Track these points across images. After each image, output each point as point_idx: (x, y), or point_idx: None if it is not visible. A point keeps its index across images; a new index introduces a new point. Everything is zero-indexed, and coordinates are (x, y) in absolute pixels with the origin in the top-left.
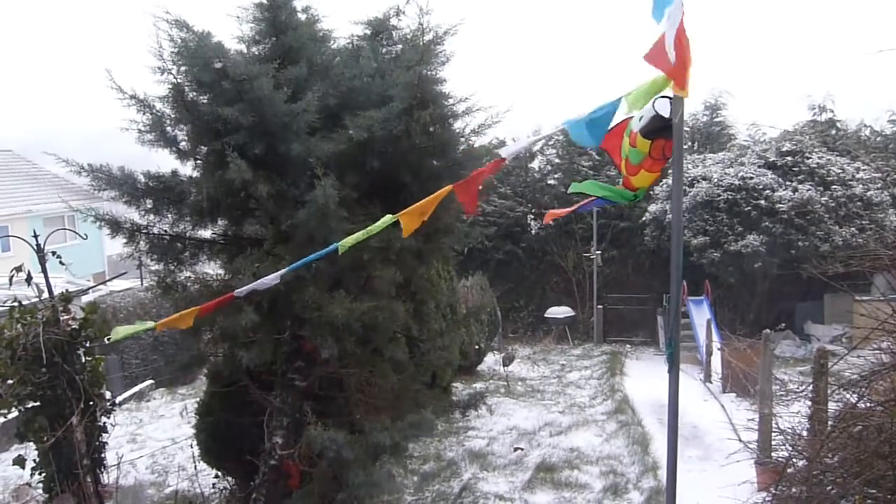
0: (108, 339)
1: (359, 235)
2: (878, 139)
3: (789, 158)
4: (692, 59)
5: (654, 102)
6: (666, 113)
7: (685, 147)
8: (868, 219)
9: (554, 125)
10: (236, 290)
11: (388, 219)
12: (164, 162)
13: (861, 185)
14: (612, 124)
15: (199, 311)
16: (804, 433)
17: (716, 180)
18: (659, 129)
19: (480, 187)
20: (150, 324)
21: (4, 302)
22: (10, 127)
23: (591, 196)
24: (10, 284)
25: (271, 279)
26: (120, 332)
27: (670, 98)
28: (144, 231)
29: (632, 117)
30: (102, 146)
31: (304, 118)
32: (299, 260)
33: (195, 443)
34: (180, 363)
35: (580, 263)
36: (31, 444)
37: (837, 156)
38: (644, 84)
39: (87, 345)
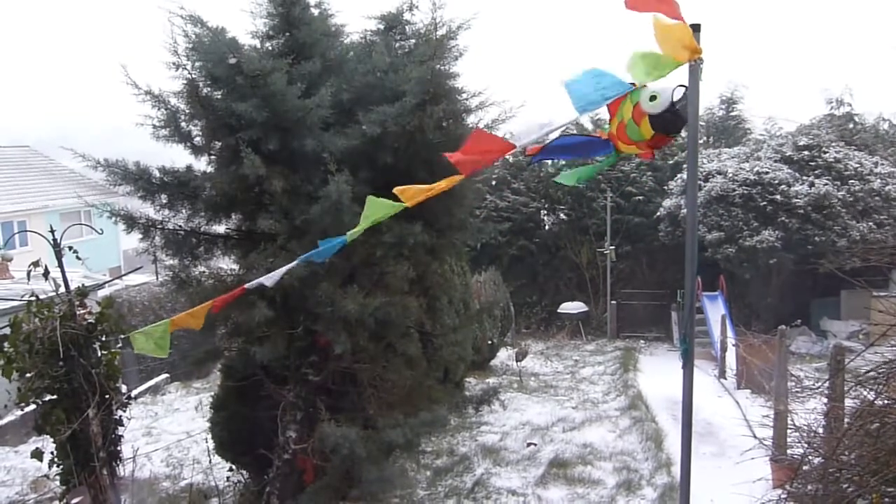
0: (122, 342)
1: (363, 225)
2: None
3: (806, 153)
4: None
5: (673, 91)
6: (680, 103)
7: (700, 141)
8: (886, 213)
9: (567, 117)
10: (247, 284)
11: (386, 202)
12: (178, 157)
13: (879, 180)
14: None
15: (210, 307)
16: (820, 430)
17: (731, 175)
18: (669, 123)
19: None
20: (165, 321)
21: (22, 296)
22: (29, 123)
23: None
24: (28, 279)
25: (277, 275)
26: (138, 340)
27: (686, 87)
28: (159, 226)
29: (643, 87)
30: (120, 143)
31: (317, 113)
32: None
33: (210, 436)
34: (195, 358)
35: (594, 259)
36: (49, 436)
37: (855, 150)
38: (648, 53)
39: (103, 339)
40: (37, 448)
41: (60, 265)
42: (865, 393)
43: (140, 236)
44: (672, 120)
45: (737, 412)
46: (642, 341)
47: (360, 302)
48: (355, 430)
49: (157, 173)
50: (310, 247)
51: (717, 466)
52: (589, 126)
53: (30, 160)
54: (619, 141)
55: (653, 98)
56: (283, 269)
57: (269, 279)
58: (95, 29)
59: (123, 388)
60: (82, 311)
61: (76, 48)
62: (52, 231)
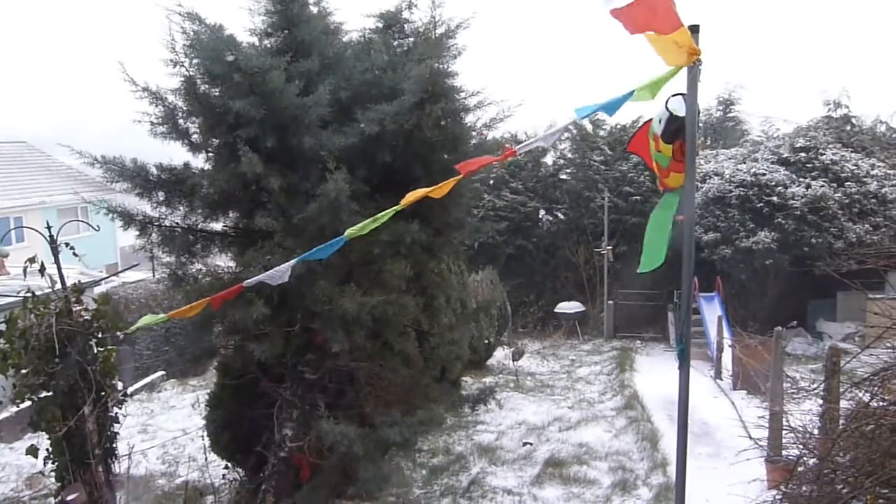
0: (121, 335)
1: (366, 224)
2: (894, 135)
3: (803, 154)
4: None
5: (667, 103)
6: (681, 112)
7: (697, 142)
8: (882, 216)
9: (568, 118)
10: (245, 281)
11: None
12: (176, 155)
13: (876, 182)
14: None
15: (210, 303)
16: (815, 431)
17: (728, 176)
18: (677, 130)
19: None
20: (163, 316)
21: (18, 292)
22: (29, 122)
23: None
24: (24, 275)
25: (280, 271)
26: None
27: (684, 95)
28: (156, 223)
29: (651, 119)
30: (121, 143)
31: (315, 111)
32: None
33: (206, 434)
34: (191, 355)
35: (591, 258)
36: (44, 433)
37: (852, 152)
38: (654, 77)
39: (100, 335)
40: (32, 445)
41: (57, 261)
42: (861, 394)
43: (137, 233)
44: (679, 127)
45: (732, 413)
46: (639, 341)
47: (357, 300)
48: (353, 428)
49: (154, 170)
50: (307, 244)
51: (712, 467)
52: (589, 127)
53: (27, 156)
54: (664, 180)
55: (659, 121)
56: (288, 272)
57: (272, 280)
58: (96, 29)
59: (119, 385)
60: (78, 308)
61: (76, 48)
62: (49, 227)
